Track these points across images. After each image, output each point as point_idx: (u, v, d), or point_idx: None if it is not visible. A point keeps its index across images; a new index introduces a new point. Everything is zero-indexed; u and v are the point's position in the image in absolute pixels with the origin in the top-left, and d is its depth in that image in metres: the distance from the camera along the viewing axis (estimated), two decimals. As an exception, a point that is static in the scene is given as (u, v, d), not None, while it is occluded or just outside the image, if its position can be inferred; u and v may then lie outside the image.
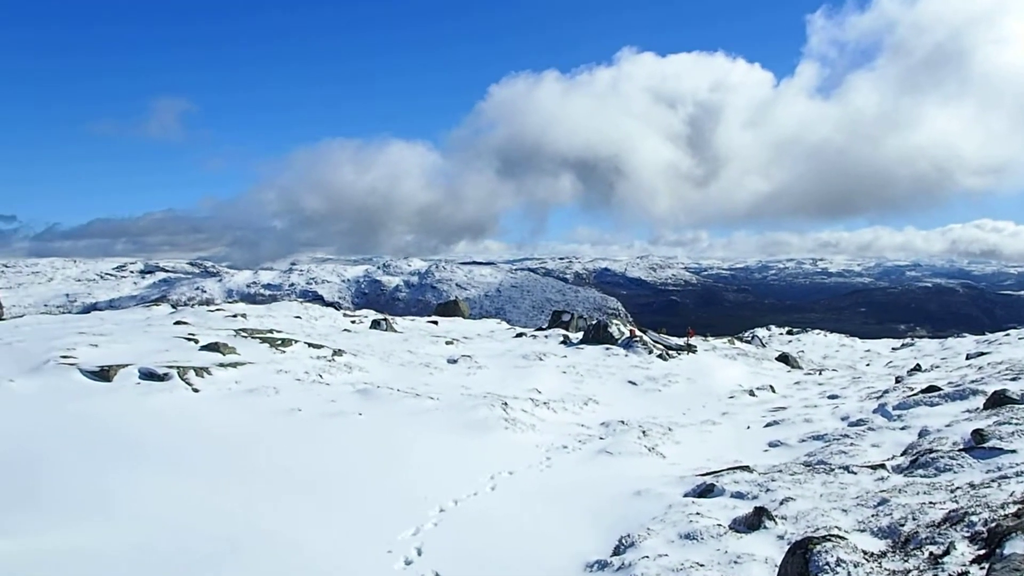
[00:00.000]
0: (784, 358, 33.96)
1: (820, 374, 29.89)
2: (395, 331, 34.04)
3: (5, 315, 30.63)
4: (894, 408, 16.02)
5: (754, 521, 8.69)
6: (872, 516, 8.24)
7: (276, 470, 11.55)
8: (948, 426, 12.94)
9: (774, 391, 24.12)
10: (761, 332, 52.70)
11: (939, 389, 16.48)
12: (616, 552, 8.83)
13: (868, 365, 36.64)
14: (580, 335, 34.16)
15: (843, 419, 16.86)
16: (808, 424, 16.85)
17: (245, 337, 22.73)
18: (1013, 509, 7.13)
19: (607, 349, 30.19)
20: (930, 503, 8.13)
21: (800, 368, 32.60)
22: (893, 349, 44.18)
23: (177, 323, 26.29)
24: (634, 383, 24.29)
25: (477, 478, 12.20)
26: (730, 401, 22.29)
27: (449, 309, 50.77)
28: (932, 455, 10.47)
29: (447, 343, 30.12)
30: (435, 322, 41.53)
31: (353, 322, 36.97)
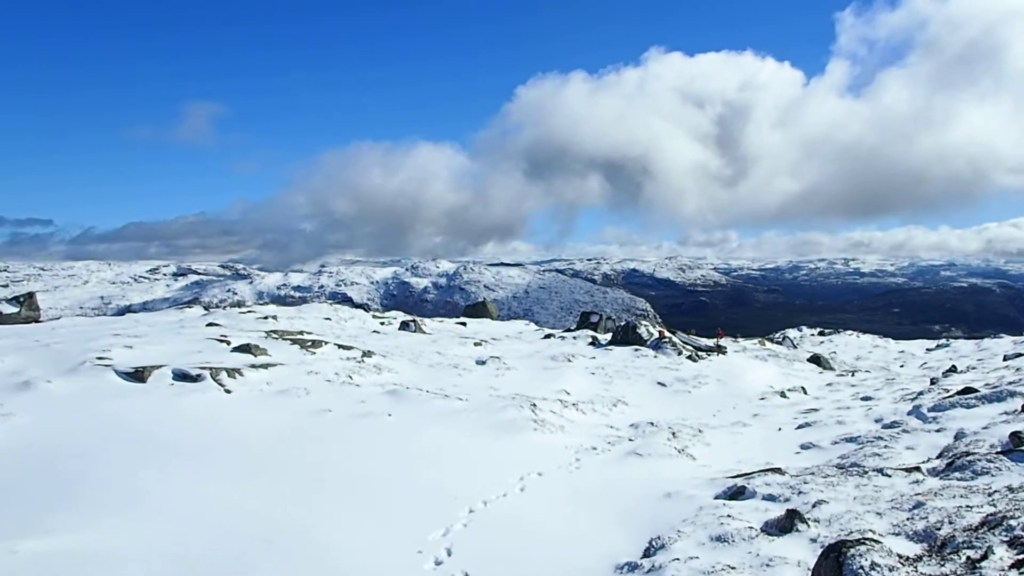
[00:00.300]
0: (816, 359, 33.60)
1: (853, 375, 29.53)
2: (424, 332, 34.16)
3: (42, 317, 31.15)
4: (929, 410, 15.79)
5: (786, 524, 8.60)
6: (907, 520, 8.13)
7: (307, 470, 11.63)
8: (985, 428, 12.73)
9: (806, 393, 23.87)
10: (792, 333, 52.18)
11: (975, 391, 16.21)
12: (646, 554, 8.78)
13: (902, 366, 36.18)
14: (609, 336, 34.06)
15: (877, 421, 16.64)
16: (841, 426, 16.65)
17: (276, 339, 22.93)
18: (1053, 513, 6.99)
19: (636, 350, 30.06)
20: (967, 507, 8.00)
21: (832, 369, 32.24)
22: (928, 350, 43.59)
23: (209, 325, 26.58)
24: (663, 384, 24.16)
25: (506, 479, 12.20)
26: (761, 403, 22.09)
27: (477, 310, 50.85)
28: (969, 458, 10.30)
29: (475, 344, 30.16)
30: (463, 323, 41.62)
31: (382, 323, 37.17)
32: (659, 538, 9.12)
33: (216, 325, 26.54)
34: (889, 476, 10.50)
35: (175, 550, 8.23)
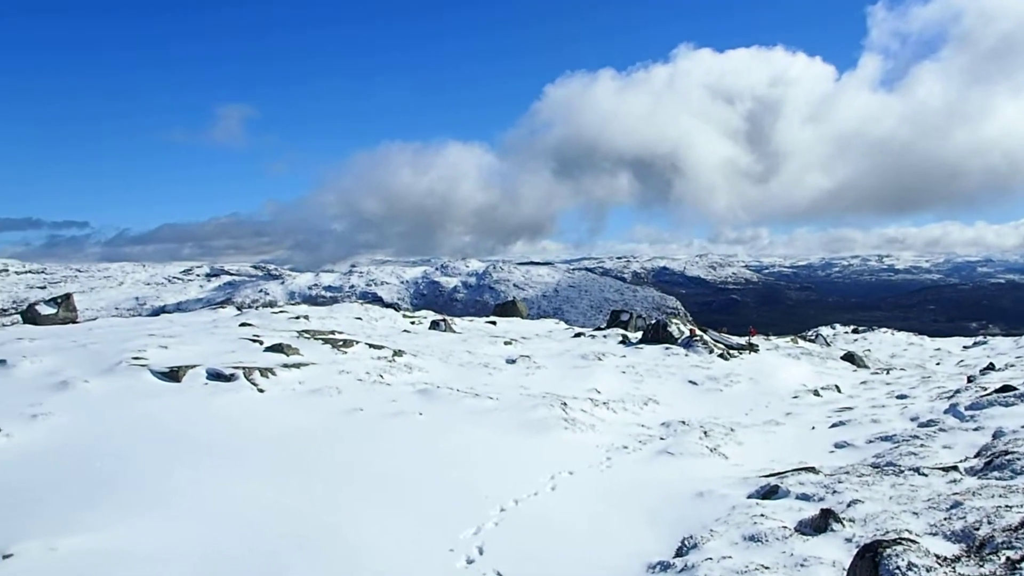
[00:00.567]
0: (850, 357, 33.21)
1: (888, 373, 29.14)
2: (454, 331, 34.25)
3: (79, 318, 31.68)
4: (966, 408, 15.54)
5: (821, 523, 8.51)
6: (945, 519, 8.00)
7: (339, 469, 11.72)
8: (1024, 427, 12.51)
9: (839, 391, 23.60)
10: (825, 331, 51.60)
11: (1014, 389, 15.92)
12: (679, 553, 8.74)
13: (938, 364, 35.65)
14: (639, 335, 33.93)
15: (912, 420, 16.43)
16: (876, 425, 16.45)
17: (308, 338, 23.12)
18: (1096, 513, 6.85)
19: (667, 349, 29.91)
20: (1006, 506, 7.86)
21: (866, 367, 31.84)
22: (964, 348, 42.91)
23: (242, 325, 26.86)
24: (695, 383, 24.01)
25: (537, 478, 12.19)
26: (794, 401, 21.88)
27: (507, 309, 50.86)
28: (1008, 457, 10.12)
29: (506, 343, 30.18)
30: (493, 322, 41.68)
31: (412, 323, 37.33)
32: (691, 537, 9.07)
33: (249, 325, 26.82)
34: (926, 475, 10.35)
35: (209, 548, 8.34)
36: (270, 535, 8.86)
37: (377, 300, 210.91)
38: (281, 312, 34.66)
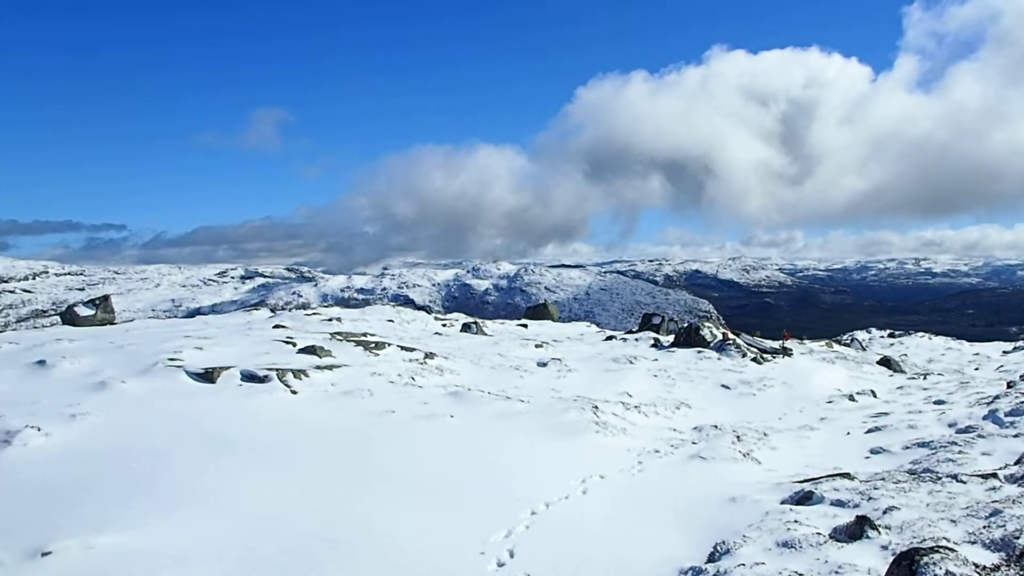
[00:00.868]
0: (886, 362, 32.73)
1: (925, 379, 28.69)
2: (485, 334, 34.31)
3: (117, 319, 32.19)
4: (1006, 414, 15.27)
5: (856, 530, 8.40)
6: (983, 527, 7.87)
7: (371, 470, 11.79)
8: (1067, 434, 12.26)
9: (875, 396, 23.28)
10: (861, 335, 50.91)
11: (1056, 395, 15.61)
12: (711, 559, 8.67)
13: (977, 369, 35.04)
14: (671, 338, 33.72)
15: (950, 426, 16.17)
16: (912, 431, 16.21)
17: (340, 340, 23.28)
18: None
19: (699, 352, 29.70)
20: (1048, 515, 7.71)
21: (903, 372, 31.36)
22: (1004, 352, 42.12)
23: (276, 327, 27.11)
24: (727, 387, 23.82)
25: (568, 481, 12.17)
26: (828, 406, 21.61)
27: (538, 312, 50.81)
28: (1049, 464, 9.93)
29: (537, 346, 30.16)
30: (524, 325, 41.65)
31: (444, 325, 37.45)
32: (724, 543, 8.99)
33: (282, 327, 27.06)
34: (964, 482, 10.18)
35: (243, 547, 8.44)
36: (303, 535, 8.94)
37: (409, 302, 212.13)
38: (314, 314, 34.95)
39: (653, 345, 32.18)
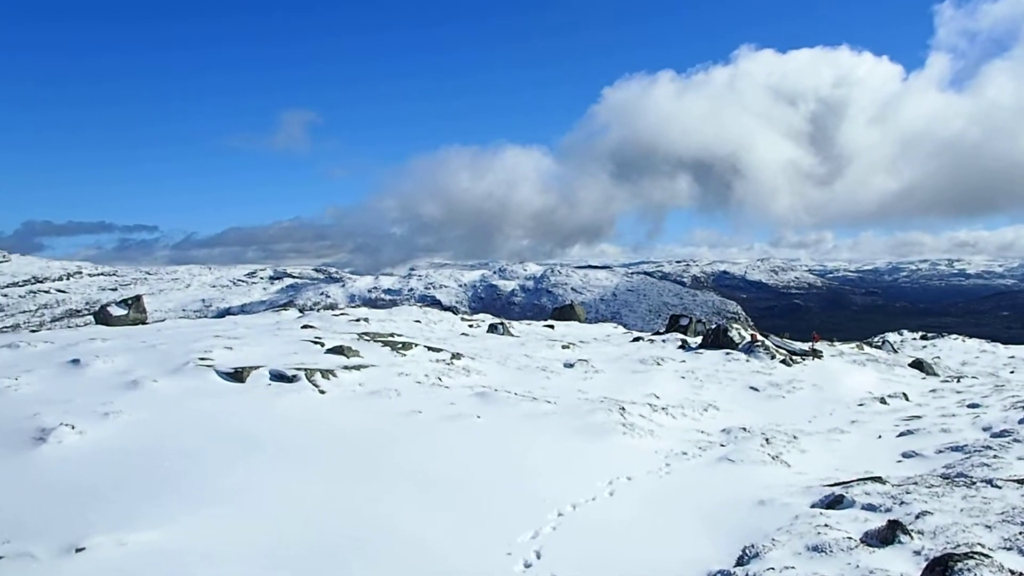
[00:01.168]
0: (918, 364, 32.28)
1: (958, 382, 28.25)
2: (512, 335, 34.30)
3: (148, 319, 32.61)
4: (1043, 418, 15.00)
5: (888, 535, 8.28)
6: (1019, 533, 7.73)
7: (398, 470, 11.82)
8: (1105, 439, 12.01)
9: (907, 399, 22.96)
10: (892, 337, 50.29)
11: (1094, 399, 15.31)
12: (739, 563, 8.59)
13: (1012, 372, 34.48)
14: (699, 340, 33.51)
15: (985, 429, 15.91)
16: (946, 434, 15.97)
17: (368, 340, 23.39)
18: None
19: (727, 354, 29.46)
20: (1086, 521, 7.55)
21: (936, 375, 30.91)
22: (1040, 355, 41.43)
23: (304, 327, 27.29)
24: (756, 389, 23.61)
25: (595, 483, 12.13)
26: (859, 409, 21.35)
27: (565, 313, 50.71)
28: (1088, 470, 9.74)
29: (563, 347, 30.10)
30: (551, 326, 41.58)
31: (471, 326, 37.50)
32: (753, 546, 8.91)
33: (310, 327, 27.24)
34: (999, 487, 10.01)
35: (272, 545, 8.50)
36: (331, 534, 8.99)
37: (435, 303, 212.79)
38: (342, 314, 35.15)
39: (680, 347, 32.00)
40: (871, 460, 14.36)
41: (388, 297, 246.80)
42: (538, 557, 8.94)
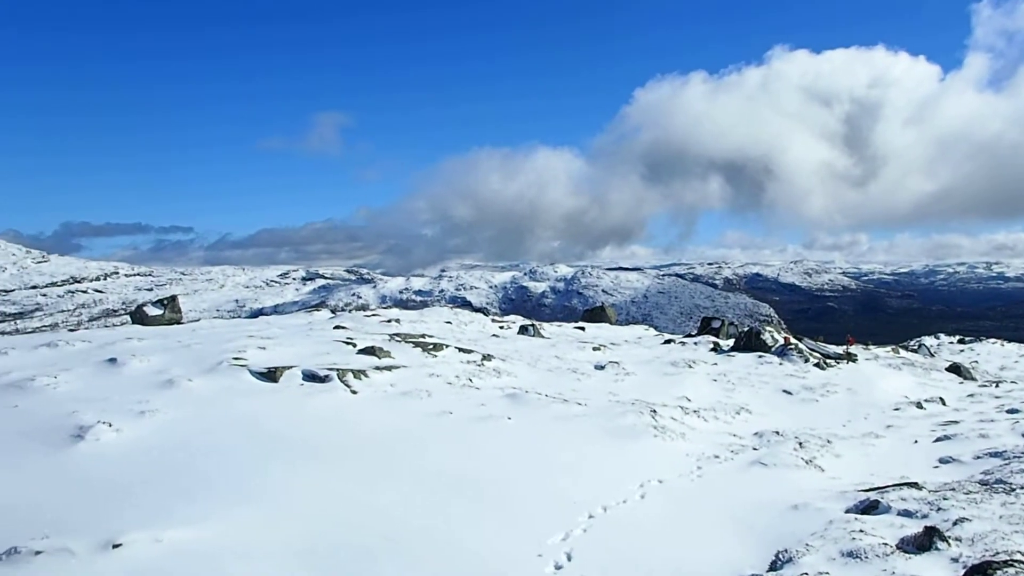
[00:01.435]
0: (955, 369, 31.75)
1: (997, 386, 27.74)
2: (542, 337, 34.27)
3: (183, 319, 33.04)
4: (1085, 425, 14.69)
5: (924, 541, 8.16)
6: (1061, 542, 7.57)
7: (428, 470, 11.86)
8: None
9: (944, 404, 22.60)
10: (929, 341, 49.52)
11: None
12: (772, 567, 8.52)
13: (1053, 377, 33.78)
14: (731, 342, 33.24)
15: (1024, 435, 15.62)
16: (984, 440, 15.69)
17: (399, 341, 23.50)
18: None
19: (760, 357, 29.19)
20: None
21: (974, 380, 30.39)
22: (1082, 360, 40.56)
23: (336, 328, 27.47)
24: (789, 392, 23.36)
25: (626, 485, 12.08)
26: (895, 413, 21.05)
27: (596, 315, 50.55)
28: None
29: (594, 349, 30.00)
30: (582, 328, 41.48)
31: (501, 327, 37.52)
32: (786, 551, 8.82)
33: (342, 328, 27.40)
34: (1040, 494, 9.82)
35: (304, 544, 8.57)
36: (362, 533, 9.04)
37: (466, 304, 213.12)
38: (373, 315, 35.35)
39: (712, 349, 31.76)
40: (907, 465, 14.16)
41: (419, 298, 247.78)
42: (569, 559, 8.93)
